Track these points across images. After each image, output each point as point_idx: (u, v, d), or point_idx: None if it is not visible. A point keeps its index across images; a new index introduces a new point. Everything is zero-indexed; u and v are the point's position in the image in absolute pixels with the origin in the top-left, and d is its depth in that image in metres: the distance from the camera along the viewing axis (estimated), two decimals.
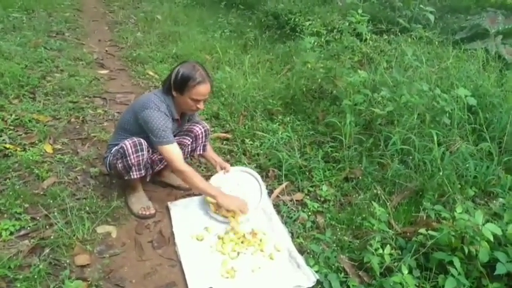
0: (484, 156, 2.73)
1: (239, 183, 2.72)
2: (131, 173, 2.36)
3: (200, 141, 2.66)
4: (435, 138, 2.65)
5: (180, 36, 6.06)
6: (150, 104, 2.28)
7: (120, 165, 2.32)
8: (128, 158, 2.28)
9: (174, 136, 2.60)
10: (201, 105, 2.36)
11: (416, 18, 4.46)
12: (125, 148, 2.27)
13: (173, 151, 2.29)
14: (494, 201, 2.31)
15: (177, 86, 2.28)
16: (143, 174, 2.41)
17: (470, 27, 5.11)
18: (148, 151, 2.35)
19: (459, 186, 2.46)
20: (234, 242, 2.28)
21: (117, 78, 4.75)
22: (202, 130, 2.64)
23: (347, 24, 3.79)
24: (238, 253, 2.21)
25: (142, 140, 2.31)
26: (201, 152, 2.73)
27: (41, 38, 5.53)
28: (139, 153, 2.30)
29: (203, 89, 2.28)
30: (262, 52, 5.37)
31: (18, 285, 1.85)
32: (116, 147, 2.37)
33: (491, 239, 1.79)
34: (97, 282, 1.94)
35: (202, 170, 3.03)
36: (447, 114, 2.82)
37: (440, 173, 2.48)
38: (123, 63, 5.30)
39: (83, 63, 4.99)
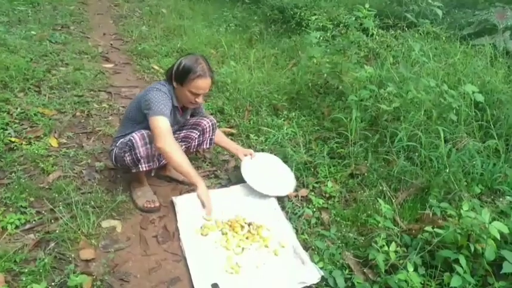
0: (491, 154, 2.70)
1: (271, 165, 2.88)
2: (140, 166, 2.35)
3: (207, 135, 2.66)
4: (442, 134, 2.63)
5: (185, 30, 6.04)
6: (153, 87, 2.33)
7: (128, 158, 2.32)
8: (137, 151, 2.28)
9: (181, 130, 2.61)
10: (199, 99, 2.36)
11: (423, 13, 4.41)
12: (134, 141, 2.27)
13: (161, 122, 2.20)
14: (501, 199, 2.29)
15: (177, 76, 2.30)
16: (152, 166, 2.40)
17: (478, 23, 5.05)
18: None
19: (465, 183, 2.44)
20: (238, 237, 2.28)
21: (122, 72, 4.76)
22: (210, 124, 2.63)
23: (353, 18, 3.75)
24: (242, 249, 2.21)
25: (150, 132, 2.30)
26: (208, 146, 2.73)
27: (46, 32, 5.54)
28: (148, 146, 2.29)
29: (203, 83, 2.28)
30: (268, 47, 5.34)
31: (24, 279, 1.86)
32: (123, 140, 2.37)
33: (498, 237, 1.77)
34: (102, 277, 1.95)
35: (207, 165, 3.02)
36: (454, 111, 2.79)
37: (447, 170, 2.46)
38: (128, 57, 5.29)
39: (88, 57, 4.99)
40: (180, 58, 2.35)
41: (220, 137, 2.81)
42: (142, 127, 2.34)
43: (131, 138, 2.28)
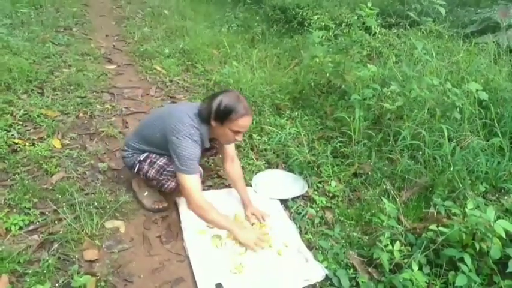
0: (495, 152, 2.68)
1: (282, 176, 2.90)
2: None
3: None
4: (446, 133, 2.61)
5: (187, 31, 6.04)
6: (184, 130, 2.17)
7: (172, 184, 2.38)
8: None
9: None
10: (239, 137, 2.26)
11: (426, 12, 4.39)
12: None
13: (193, 183, 2.18)
14: (506, 197, 2.28)
15: (218, 116, 2.17)
16: None
17: (481, 21, 5.03)
18: None
19: (470, 182, 2.42)
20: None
21: (125, 73, 4.76)
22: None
23: (356, 17, 3.74)
24: (246, 249, 2.20)
25: (202, 172, 2.33)
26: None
27: (48, 33, 5.55)
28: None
29: (246, 121, 2.19)
30: (270, 47, 5.34)
31: (28, 280, 1.86)
32: (171, 173, 2.34)
33: (504, 235, 1.76)
34: (106, 277, 1.95)
35: (210, 165, 3.02)
36: (458, 109, 2.78)
37: (451, 169, 2.44)
38: (130, 58, 5.30)
39: (91, 58, 5.00)
40: (216, 95, 2.21)
41: (239, 181, 2.61)
42: (163, 150, 2.35)
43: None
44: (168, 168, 2.35)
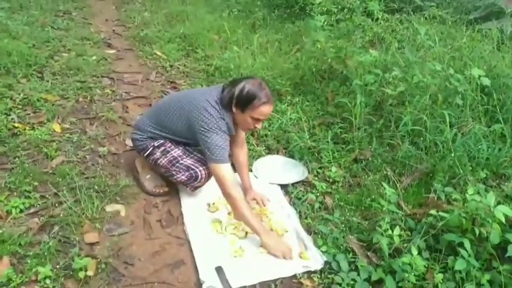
0: (496, 138, 2.67)
1: (282, 162, 2.89)
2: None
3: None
4: (447, 119, 2.60)
5: (187, 16, 5.98)
6: (212, 123, 2.15)
7: (182, 176, 2.35)
8: (197, 183, 2.36)
9: None
10: (259, 125, 2.24)
11: None
12: (199, 174, 2.32)
13: (228, 171, 2.15)
14: (507, 184, 2.28)
15: (240, 102, 2.15)
16: None
17: (484, 7, 4.96)
18: None
19: (471, 168, 2.42)
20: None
21: (125, 58, 4.74)
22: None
23: (358, 2, 3.71)
24: (246, 233, 2.21)
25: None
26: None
27: (48, 18, 5.52)
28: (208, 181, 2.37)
29: (267, 109, 2.16)
30: (271, 32, 5.28)
31: (29, 262, 1.88)
32: (184, 167, 2.35)
33: (503, 220, 1.76)
34: (106, 260, 1.96)
35: None
36: (460, 95, 2.76)
37: (452, 155, 2.44)
38: (130, 43, 5.27)
39: (90, 43, 4.97)
40: (239, 81, 2.19)
41: (244, 165, 2.59)
42: (183, 137, 2.36)
43: (197, 171, 2.32)
44: (181, 161, 2.34)
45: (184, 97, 2.36)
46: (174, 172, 2.36)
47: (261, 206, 2.44)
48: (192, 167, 2.33)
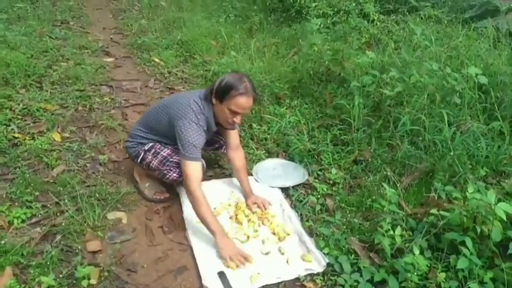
0: (495, 136, 2.68)
1: (282, 165, 2.89)
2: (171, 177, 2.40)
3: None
4: (445, 118, 2.60)
5: (184, 22, 6.00)
6: (190, 114, 2.18)
7: (173, 174, 2.36)
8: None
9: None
10: (238, 120, 2.23)
11: None
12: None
13: (195, 169, 2.16)
14: (507, 181, 2.28)
15: (218, 93, 2.17)
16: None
17: (480, 5, 4.99)
18: None
19: (470, 166, 2.42)
20: (243, 227, 2.29)
21: (123, 66, 4.75)
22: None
23: (354, 4, 3.72)
24: (248, 237, 2.22)
25: (205, 164, 2.35)
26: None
27: (45, 28, 5.54)
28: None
29: (244, 101, 2.15)
30: (268, 36, 5.30)
31: (32, 272, 1.87)
32: (174, 164, 2.35)
33: (504, 218, 1.76)
34: (109, 268, 1.96)
35: (211, 155, 3.02)
36: (457, 94, 2.77)
37: (451, 153, 2.44)
38: (128, 50, 5.29)
39: (89, 52, 4.99)
40: (223, 75, 2.23)
41: (241, 169, 2.56)
42: (168, 138, 2.37)
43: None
44: (171, 159, 2.35)
45: (172, 99, 2.42)
46: (165, 171, 2.37)
47: (262, 209, 2.44)
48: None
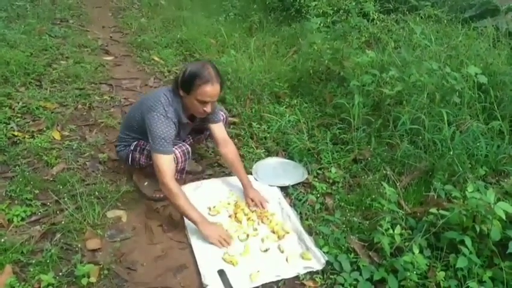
0: (495, 135, 2.68)
1: (282, 164, 2.89)
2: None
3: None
4: (445, 117, 2.60)
5: (184, 21, 6.00)
6: (158, 107, 2.17)
7: None
8: (178, 165, 2.30)
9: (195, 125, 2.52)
10: (208, 108, 2.19)
11: None
12: (176, 157, 2.26)
13: (165, 163, 2.14)
14: (506, 180, 2.28)
15: (183, 84, 2.14)
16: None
17: (479, 5, 4.98)
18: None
19: (470, 165, 2.43)
20: (243, 225, 2.29)
21: (123, 64, 4.75)
22: (224, 116, 2.58)
23: (354, 3, 3.72)
24: (248, 235, 2.22)
25: (189, 149, 2.34)
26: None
27: (45, 26, 5.52)
28: (187, 161, 2.36)
29: (210, 89, 2.11)
30: (268, 35, 5.30)
31: (32, 270, 1.88)
32: (148, 149, 2.35)
33: (504, 217, 1.76)
34: (109, 266, 1.96)
35: (210, 154, 3.02)
36: (457, 93, 2.77)
37: (451, 153, 2.44)
38: (127, 49, 5.28)
39: (88, 50, 4.98)
40: (186, 65, 2.21)
41: (235, 161, 2.52)
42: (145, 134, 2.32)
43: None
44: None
45: (145, 95, 2.45)
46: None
47: (260, 208, 2.43)
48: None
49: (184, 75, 2.13)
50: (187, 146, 2.37)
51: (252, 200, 2.45)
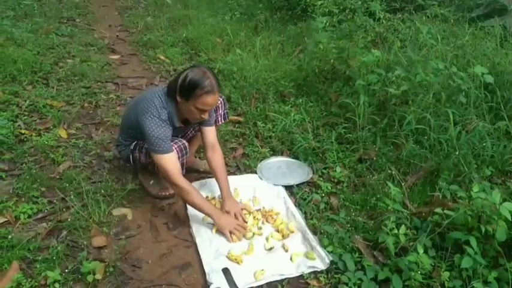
0: (501, 135, 2.67)
1: (287, 163, 2.90)
2: None
3: (220, 111, 2.57)
4: (451, 117, 2.60)
5: (190, 20, 6.02)
6: (151, 108, 2.15)
7: None
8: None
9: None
10: (205, 115, 2.19)
11: None
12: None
13: (168, 162, 2.14)
14: None
15: (183, 91, 2.11)
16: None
17: (487, 4, 4.94)
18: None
19: (475, 165, 2.41)
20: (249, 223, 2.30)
21: (129, 63, 4.77)
22: (221, 99, 2.54)
23: (360, 2, 3.71)
24: (253, 233, 2.22)
25: (186, 144, 2.32)
26: (222, 122, 2.62)
27: (52, 25, 5.57)
28: (185, 156, 2.32)
29: (211, 99, 2.10)
30: (273, 34, 5.30)
31: (38, 266, 1.90)
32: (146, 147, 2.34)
33: (509, 218, 1.75)
34: (114, 263, 1.98)
35: None
36: (463, 93, 2.76)
37: (456, 153, 2.43)
38: (134, 48, 5.31)
39: (95, 49, 5.01)
40: (184, 70, 2.17)
41: (219, 168, 2.42)
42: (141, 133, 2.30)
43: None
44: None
45: (139, 96, 2.46)
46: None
47: (239, 218, 2.29)
48: None
49: (185, 83, 2.09)
50: (184, 141, 2.34)
51: (228, 211, 2.32)
